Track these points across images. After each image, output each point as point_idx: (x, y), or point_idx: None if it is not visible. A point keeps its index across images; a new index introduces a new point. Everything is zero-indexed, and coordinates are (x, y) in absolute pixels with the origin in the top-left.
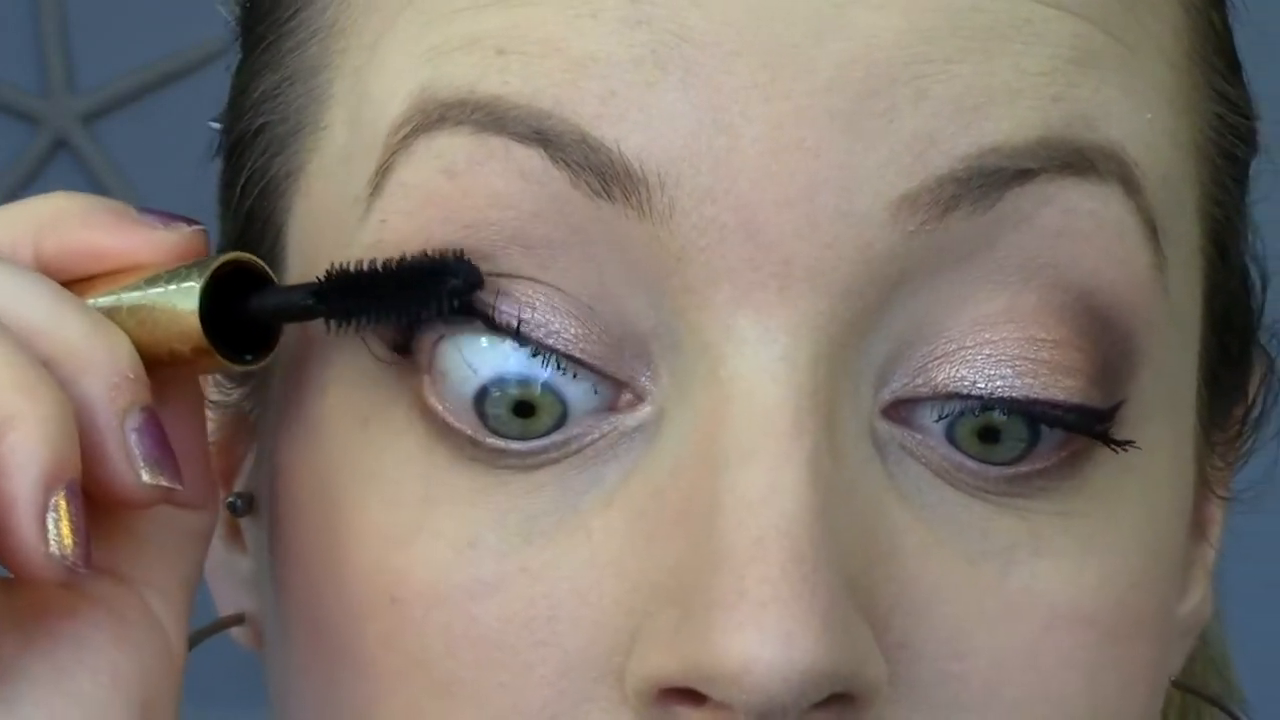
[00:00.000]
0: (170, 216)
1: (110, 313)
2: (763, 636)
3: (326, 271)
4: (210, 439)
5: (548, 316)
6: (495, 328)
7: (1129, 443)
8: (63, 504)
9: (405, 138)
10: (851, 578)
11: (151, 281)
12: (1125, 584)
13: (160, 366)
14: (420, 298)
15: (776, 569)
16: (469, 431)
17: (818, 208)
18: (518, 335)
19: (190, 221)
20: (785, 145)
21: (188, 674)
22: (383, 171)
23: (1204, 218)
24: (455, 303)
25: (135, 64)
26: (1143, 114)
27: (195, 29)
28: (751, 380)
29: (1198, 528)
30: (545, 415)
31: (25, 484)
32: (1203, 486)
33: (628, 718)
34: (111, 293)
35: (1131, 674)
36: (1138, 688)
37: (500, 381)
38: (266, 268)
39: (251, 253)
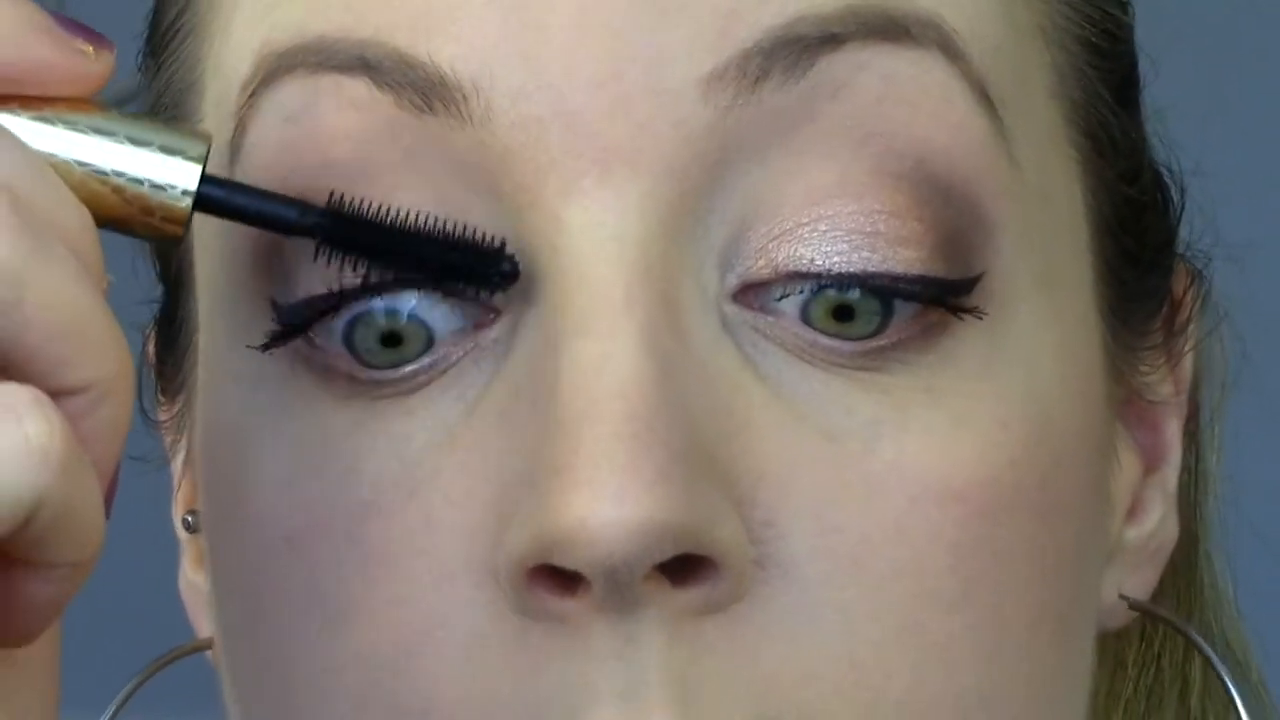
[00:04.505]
0: (94, 36)
1: (82, 172)
2: (594, 493)
3: (333, 203)
4: (177, 480)
5: None
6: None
7: (975, 309)
8: None
9: (251, 95)
10: (701, 449)
11: (127, 132)
12: (1003, 461)
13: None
14: (460, 271)
15: (609, 429)
16: (345, 368)
17: (628, 87)
18: (370, 288)
19: (107, 42)
20: (590, 29)
21: (174, 683)
22: (237, 134)
23: (1065, 104)
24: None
25: (135, 64)
26: None
27: None
28: (584, 264)
29: (1148, 448)
30: (413, 341)
31: (111, 460)
32: (1135, 396)
33: (511, 616)
34: (96, 131)
35: (1007, 552)
36: (1014, 566)
37: (365, 315)
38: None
39: (165, 262)
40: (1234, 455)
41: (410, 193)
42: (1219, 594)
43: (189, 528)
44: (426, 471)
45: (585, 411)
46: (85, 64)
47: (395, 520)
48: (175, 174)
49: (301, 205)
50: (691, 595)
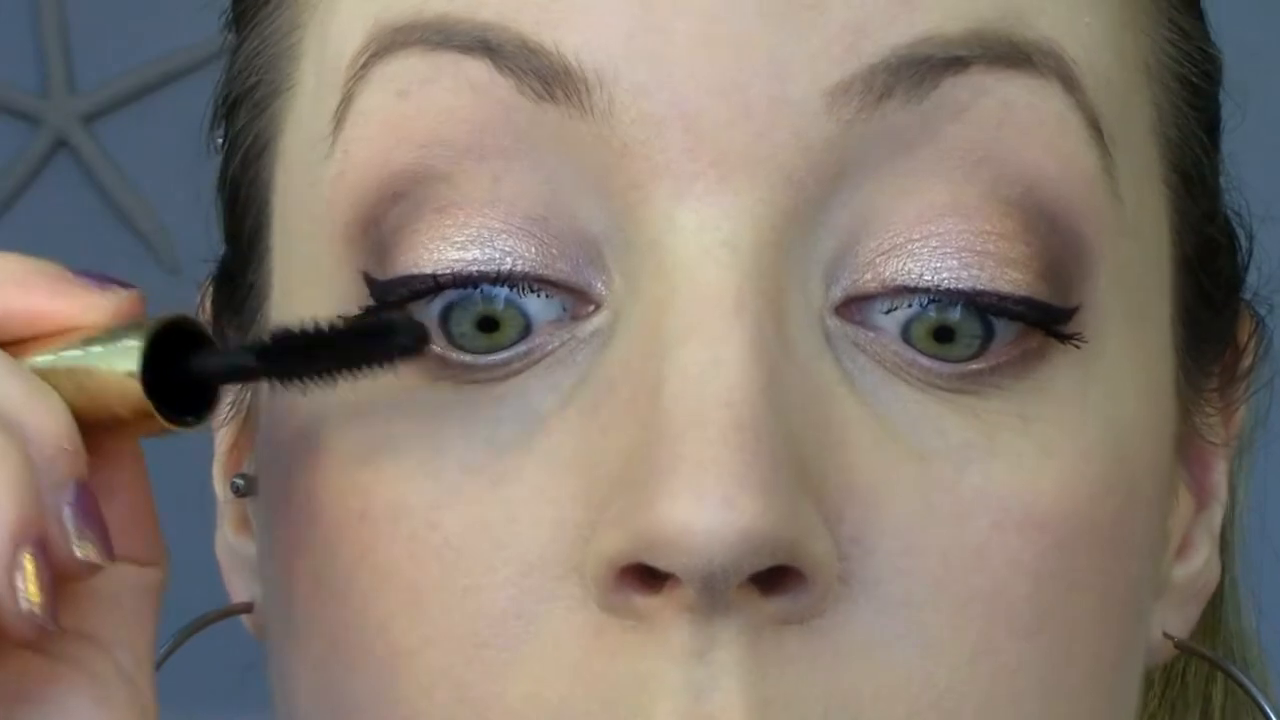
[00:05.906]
0: (106, 279)
1: (48, 375)
2: (700, 499)
3: (271, 334)
4: (223, 446)
5: (508, 243)
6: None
7: (1076, 335)
8: (29, 563)
9: (362, 67)
10: (800, 461)
11: (90, 342)
12: (1084, 493)
13: (99, 428)
14: (367, 358)
15: (716, 434)
16: (437, 349)
17: (751, 97)
18: (468, 279)
19: (125, 284)
20: (717, 38)
21: (178, 676)
22: (343, 104)
23: (1161, 141)
24: (401, 359)
25: (135, 64)
26: (1081, 17)
27: (195, 29)
28: (694, 266)
29: (1199, 487)
30: (509, 328)
31: None
32: (1194, 435)
33: (592, 612)
34: (49, 352)
35: (1082, 583)
36: (1088, 597)
37: (464, 299)
38: (205, 328)
39: (237, 223)
40: (1257, 490)
41: (518, 178)
42: (1243, 626)
43: (238, 491)
44: (513, 460)
45: (692, 416)
46: (88, 302)
47: (477, 508)
48: (117, 359)
49: (245, 350)
50: (777, 606)
